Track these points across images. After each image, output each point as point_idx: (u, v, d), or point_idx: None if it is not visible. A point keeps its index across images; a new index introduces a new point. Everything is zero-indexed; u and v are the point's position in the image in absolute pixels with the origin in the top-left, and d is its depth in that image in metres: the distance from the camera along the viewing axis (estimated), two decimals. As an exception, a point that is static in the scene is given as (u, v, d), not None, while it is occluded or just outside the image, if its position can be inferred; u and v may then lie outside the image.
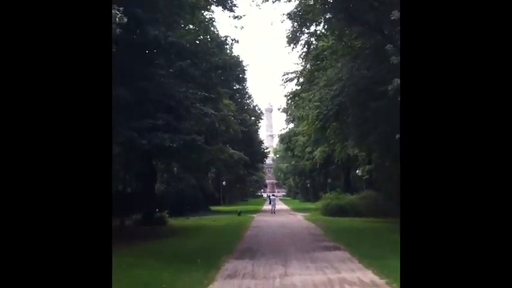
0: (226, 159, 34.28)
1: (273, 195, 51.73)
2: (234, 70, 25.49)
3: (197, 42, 20.58)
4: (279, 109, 46.04)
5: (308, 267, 10.52)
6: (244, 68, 36.43)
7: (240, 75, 42.96)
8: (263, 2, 19.24)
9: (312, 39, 23.07)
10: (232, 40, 20.90)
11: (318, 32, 22.58)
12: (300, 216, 33.05)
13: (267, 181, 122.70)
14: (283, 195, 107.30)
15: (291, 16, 20.49)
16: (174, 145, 16.86)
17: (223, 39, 22.37)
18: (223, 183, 52.84)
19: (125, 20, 10.67)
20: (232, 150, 35.21)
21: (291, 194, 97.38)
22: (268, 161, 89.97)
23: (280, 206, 51.84)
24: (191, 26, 21.26)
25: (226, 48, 28.29)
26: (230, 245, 14.94)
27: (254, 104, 55.80)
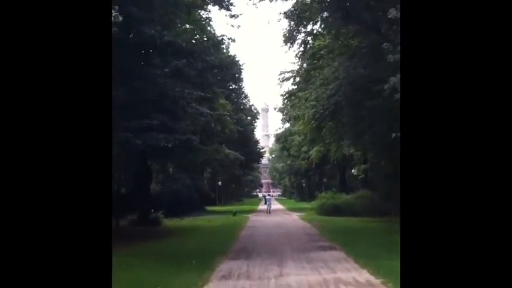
0: (221, 159, 34.25)
1: (269, 195, 51.79)
2: (230, 69, 25.45)
3: (193, 41, 20.49)
4: (275, 109, 46.01)
5: (303, 267, 10.46)
6: (241, 67, 36.38)
7: (236, 75, 42.88)
8: (260, 0, 19.20)
9: (309, 38, 23.07)
10: (229, 39, 20.86)
11: (315, 31, 22.59)
12: (295, 216, 33.01)
13: (263, 181, 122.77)
14: (279, 195, 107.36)
15: (287, 15, 20.46)
16: (169, 145, 16.77)
17: (219, 38, 22.31)
18: (219, 183, 52.76)
19: (120, 18, 10.59)
20: (227, 150, 35.17)
21: (287, 194, 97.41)
22: (264, 160, 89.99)
23: (276, 205, 51.77)
24: (187, 26, 21.19)
25: (223, 47, 28.25)
26: (225, 245, 14.87)
27: (250, 104, 55.78)
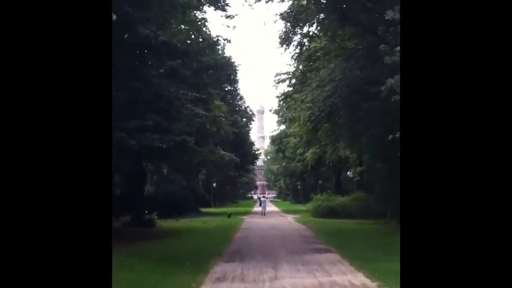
0: (217, 160, 34.17)
1: (264, 197, 51.63)
2: (225, 70, 25.36)
3: (188, 42, 20.39)
4: (270, 110, 45.88)
5: (298, 270, 10.37)
6: (236, 68, 36.32)
7: (232, 76, 42.82)
8: (256, 1, 19.11)
9: (305, 40, 22.99)
10: (224, 40, 20.74)
11: (311, 33, 22.52)
12: (290, 218, 32.96)
13: (258, 183, 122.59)
14: (274, 197, 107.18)
15: (284, 16, 20.39)
16: (164, 146, 16.65)
17: (215, 39, 22.22)
18: (214, 184, 52.66)
19: (114, 17, 10.46)
20: (223, 152, 35.12)
21: (282, 196, 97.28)
22: (259, 162, 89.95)
23: (271, 207, 51.72)
24: (183, 26, 21.08)
25: (218, 48, 28.16)
26: (220, 247, 14.76)
27: (246, 106, 55.79)
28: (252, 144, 61.81)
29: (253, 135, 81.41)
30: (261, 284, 8.96)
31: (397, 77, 12.27)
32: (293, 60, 25.62)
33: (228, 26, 18.51)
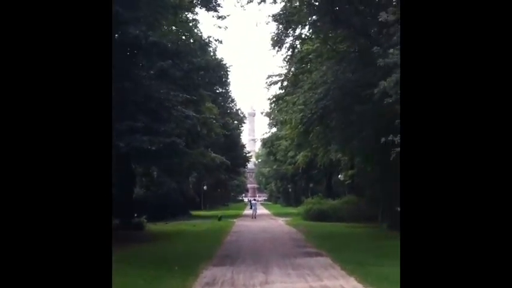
0: (207, 163, 33.97)
1: (254, 199, 51.47)
2: (217, 72, 25.19)
3: (179, 43, 20.20)
4: (262, 113, 45.81)
5: (289, 274, 10.20)
6: (228, 70, 36.12)
7: (223, 78, 42.60)
8: (248, 2, 18.99)
9: (297, 42, 22.92)
10: (216, 41, 20.58)
11: (303, 35, 22.46)
12: (281, 221, 32.85)
13: (249, 185, 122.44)
14: (265, 200, 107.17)
15: (276, 18, 20.30)
16: (153, 148, 16.44)
17: (206, 40, 22.05)
18: (204, 187, 52.43)
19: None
20: (213, 154, 34.91)
21: (272, 199, 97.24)
22: (250, 165, 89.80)
23: (262, 210, 51.59)
24: (174, 28, 20.89)
25: (210, 50, 28.01)
26: (209, 251, 14.57)
27: (237, 108, 55.55)
28: (243, 146, 61.72)
29: (245, 138, 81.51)
30: (251, 288, 8.79)
31: (390, 80, 12.21)
32: (285, 62, 25.62)
33: (220, 27, 18.46)
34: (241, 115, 57.85)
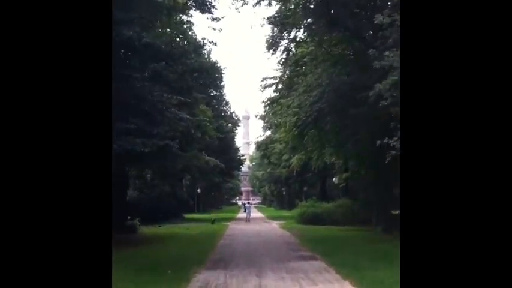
0: (201, 166, 33.79)
1: (248, 203, 51.39)
2: (211, 74, 25.08)
3: (173, 45, 20.07)
4: (256, 116, 45.70)
5: (283, 278, 10.08)
6: (222, 72, 36.03)
7: (218, 81, 42.53)
8: (243, 5, 18.93)
9: (292, 45, 22.88)
10: (210, 42, 20.47)
11: (298, 38, 22.43)
12: (275, 224, 32.78)
13: (242, 189, 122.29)
14: (259, 203, 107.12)
15: (271, 21, 20.24)
16: (146, 150, 16.27)
17: (200, 43, 21.94)
18: (198, 190, 52.28)
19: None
20: (207, 157, 34.73)
21: (266, 202, 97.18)
22: (244, 168, 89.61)
23: (255, 214, 51.49)
24: (168, 30, 20.76)
25: (204, 53, 27.92)
26: (203, 254, 14.43)
27: (231, 111, 55.46)
28: (237, 150, 61.51)
29: (239, 141, 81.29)
30: (245, 293, 8.68)
31: (386, 82, 12.15)
32: (280, 65, 25.52)
33: (214, 29, 18.18)
34: (236, 118, 57.80)
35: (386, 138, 12.24)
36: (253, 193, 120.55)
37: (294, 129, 22.80)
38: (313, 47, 21.82)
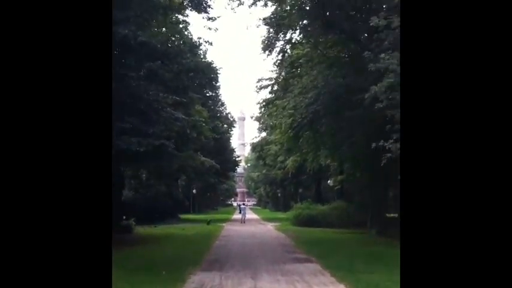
0: (197, 166, 33.74)
1: (244, 204, 51.30)
2: (206, 74, 24.96)
3: (169, 44, 20.01)
4: (251, 117, 45.64)
5: (278, 280, 10.04)
6: (218, 72, 35.90)
7: (213, 82, 42.40)
8: (238, 5, 18.92)
9: (287, 46, 22.87)
10: (206, 42, 20.41)
11: (294, 39, 22.42)
12: (270, 226, 32.74)
13: (238, 190, 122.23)
14: (254, 204, 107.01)
15: (267, 22, 20.23)
16: (142, 149, 16.20)
17: (196, 43, 21.86)
18: (194, 191, 52.18)
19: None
20: (203, 158, 34.66)
21: (262, 203, 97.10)
22: (240, 169, 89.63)
23: (251, 215, 51.43)
24: (164, 29, 20.70)
25: (200, 53, 27.80)
26: (198, 255, 14.37)
27: (227, 112, 55.42)
28: (233, 151, 61.46)
29: (234, 142, 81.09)
30: (240, 295, 8.64)
31: (381, 85, 12.16)
32: (275, 66, 25.51)
33: (210, 28, 18.11)
34: (231, 119, 57.74)
35: (382, 140, 12.24)
36: (249, 194, 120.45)
37: (290, 130, 22.77)
38: (308, 49, 21.83)
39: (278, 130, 27.52)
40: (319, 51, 20.98)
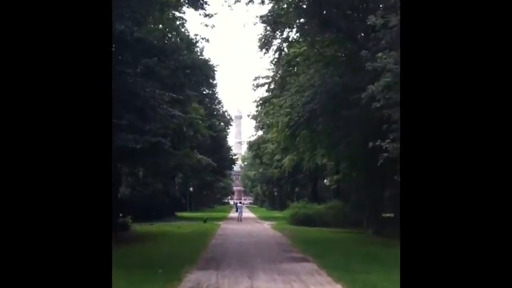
0: (193, 164, 33.70)
1: (240, 202, 51.32)
2: (203, 71, 24.95)
3: (165, 41, 19.94)
4: (248, 116, 45.61)
5: (275, 279, 10.02)
6: (215, 69, 35.84)
7: (210, 79, 42.33)
8: (235, 2, 18.87)
9: (284, 45, 22.85)
10: (203, 39, 20.34)
11: (291, 38, 22.41)
12: (266, 224, 32.73)
13: (234, 188, 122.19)
14: (250, 203, 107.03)
15: (264, 19, 20.19)
16: (138, 146, 16.14)
17: (193, 40, 21.81)
18: (190, 189, 52.12)
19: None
20: (200, 156, 34.61)
21: (258, 202, 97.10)
22: (236, 168, 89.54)
23: (247, 213, 51.43)
24: (160, 26, 20.63)
25: (197, 50, 27.76)
26: (194, 254, 14.33)
27: (224, 110, 55.31)
28: (230, 149, 61.39)
29: (231, 141, 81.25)
30: (236, 294, 8.62)
31: (378, 84, 12.14)
32: (272, 64, 25.48)
33: (207, 25, 18.03)
34: (228, 117, 57.68)
35: (379, 140, 12.23)
36: (245, 193, 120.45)
37: (286, 129, 22.75)
38: (305, 47, 21.81)
39: (275, 129, 27.53)
40: (316, 50, 20.94)
